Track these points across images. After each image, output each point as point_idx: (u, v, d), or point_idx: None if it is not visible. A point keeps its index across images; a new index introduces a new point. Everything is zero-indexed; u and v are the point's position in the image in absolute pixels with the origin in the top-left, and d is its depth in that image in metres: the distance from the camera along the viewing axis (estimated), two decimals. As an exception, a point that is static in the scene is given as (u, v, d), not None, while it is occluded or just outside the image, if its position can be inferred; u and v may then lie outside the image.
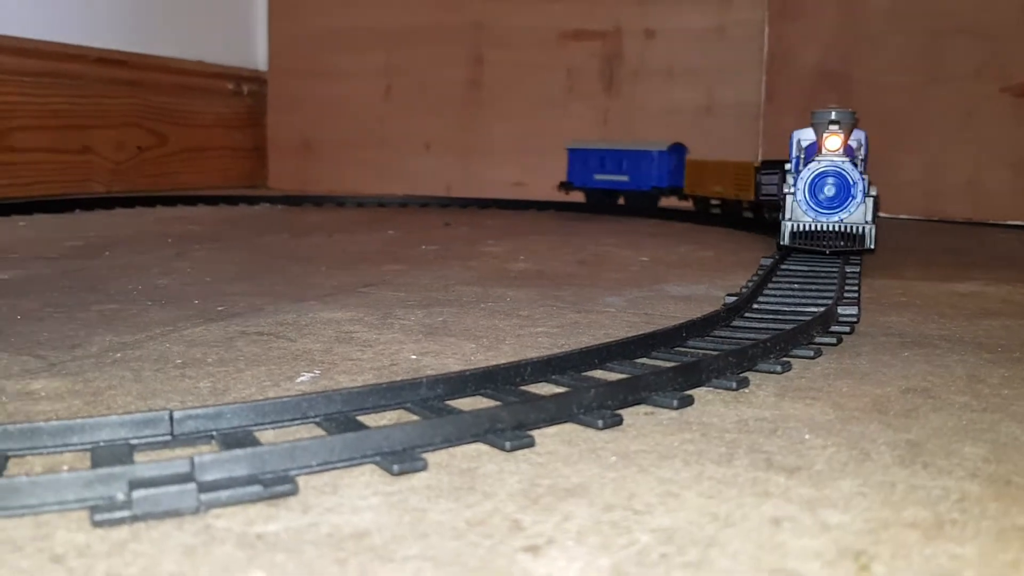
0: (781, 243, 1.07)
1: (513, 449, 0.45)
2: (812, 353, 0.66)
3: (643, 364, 0.62)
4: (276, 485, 0.39)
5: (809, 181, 1.06)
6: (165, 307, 0.84)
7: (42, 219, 1.75)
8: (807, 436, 0.48)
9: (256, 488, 0.38)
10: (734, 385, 0.57)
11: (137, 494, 0.36)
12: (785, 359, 0.64)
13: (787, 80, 2.29)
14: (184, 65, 2.62)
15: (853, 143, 1.10)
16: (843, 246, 1.05)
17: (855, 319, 0.76)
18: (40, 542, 0.34)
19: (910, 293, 0.99)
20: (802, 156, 1.09)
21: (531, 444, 0.46)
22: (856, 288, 0.86)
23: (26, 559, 0.33)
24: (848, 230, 1.05)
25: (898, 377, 0.61)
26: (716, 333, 0.71)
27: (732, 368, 0.60)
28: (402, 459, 0.42)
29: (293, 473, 0.40)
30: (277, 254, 1.27)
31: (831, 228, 1.05)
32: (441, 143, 2.65)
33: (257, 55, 2.88)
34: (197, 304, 0.86)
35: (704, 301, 0.92)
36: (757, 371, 0.61)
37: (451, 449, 0.45)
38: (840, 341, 0.71)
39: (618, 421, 0.50)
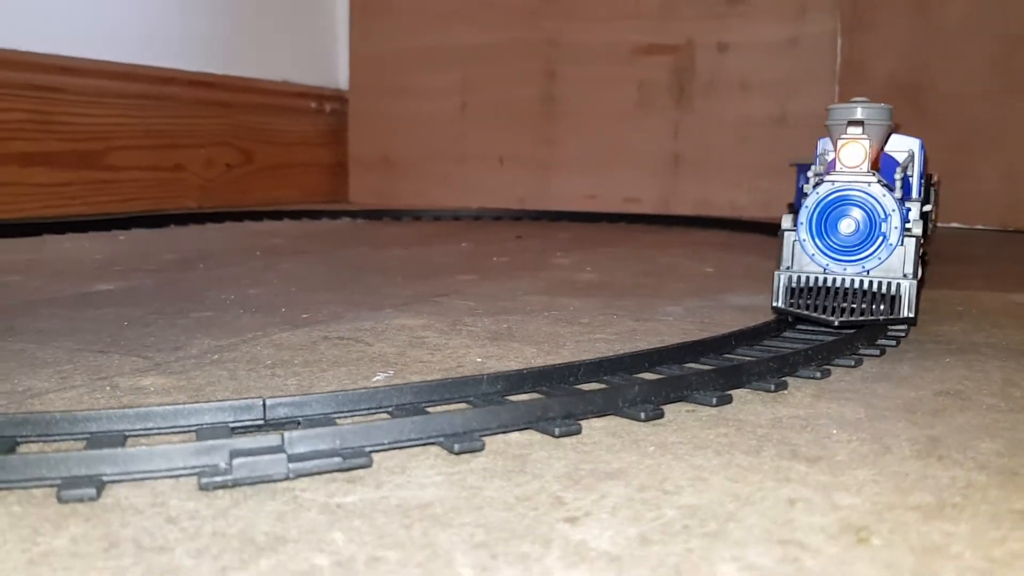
0: (773, 304, 0.77)
1: (561, 436, 0.51)
2: (853, 362, 0.70)
3: (690, 367, 0.66)
4: (354, 458, 0.45)
5: (815, 211, 0.75)
6: (255, 314, 0.91)
7: (140, 233, 1.87)
8: (834, 431, 0.52)
9: (336, 459, 0.45)
10: (772, 387, 0.62)
11: (237, 462, 0.43)
12: (826, 366, 0.68)
13: (861, 91, 2.29)
14: (270, 86, 2.75)
15: (897, 154, 0.81)
16: (863, 313, 0.74)
17: (903, 333, 0.79)
18: (157, 508, 0.41)
19: (969, 303, 1.01)
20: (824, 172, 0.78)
21: (578, 432, 0.51)
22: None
23: (147, 521, 0.39)
24: (874, 287, 0.74)
25: (934, 381, 0.65)
26: (765, 342, 0.75)
27: (772, 372, 0.64)
28: (462, 440, 0.48)
29: (368, 449, 0.46)
30: (357, 266, 1.35)
31: (848, 284, 0.75)
32: (515, 157, 2.72)
33: (338, 75, 3.00)
34: (284, 312, 0.93)
35: (761, 312, 0.95)
36: (798, 376, 0.65)
37: (507, 436, 0.51)
38: (884, 352, 0.74)
39: (660, 415, 0.55)
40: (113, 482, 0.43)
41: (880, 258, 0.74)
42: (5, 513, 0.40)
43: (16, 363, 0.69)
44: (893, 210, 0.73)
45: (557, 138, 2.66)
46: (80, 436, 0.49)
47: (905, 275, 0.74)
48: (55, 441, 0.49)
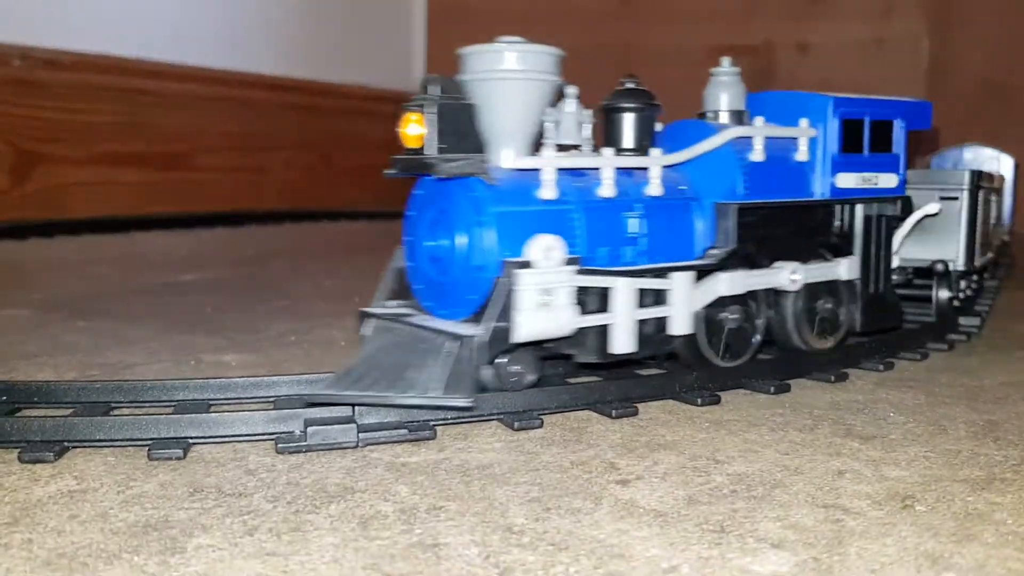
0: None
1: (618, 416, 0.52)
2: (919, 356, 0.69)
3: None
4: (419, 430, 0.48)
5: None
6: (330, 303, 0.95)
7: (221, 231, 1.94)
8: (891, 414, 0.53)
9: (403, 431, 0.47)
10: (832, 378, 0.62)
11: (311, 430, 0.46)
12: (889, 359, 0.67)
13: (948, 91, 2.24)
14: (349, 90, 2.81)
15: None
16: None
17: (976, 329, 0.78)
18: (237, 462, 0.44)
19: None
20: None
21: (634, 413, 0.53)
22: (989, 301, 0.88)
23: (228, 472, 0.43)
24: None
25: (1000, 373, 0.64)
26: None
27: (833, 364, 0.64)
28: (522, 418, 0.50)
29: (433, 423, 0.49)
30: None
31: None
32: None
33: (416, 78, 3.06)
34: (357, 301, 0.97)
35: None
36: (860, 368, 0.65)
37: (565, 414, 0.53)
38: (952, 347, 0.73)
39: (716, 400, 0.56)
40: (198, 444, 0.46)
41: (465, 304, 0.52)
42: (101, 463, 0.44)
43: (110, 340, 0.73)
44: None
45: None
46: (168, 403, 0.53)
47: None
48: (145, 407, 0.53)
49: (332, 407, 0.48)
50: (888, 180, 0.67)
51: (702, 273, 0.58)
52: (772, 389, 0.59)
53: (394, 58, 3.02)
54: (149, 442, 0.45)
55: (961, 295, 0.81)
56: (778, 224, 0.63)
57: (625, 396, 0.55)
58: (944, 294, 0.77)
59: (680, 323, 0.57)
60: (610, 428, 0.50)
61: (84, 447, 0.45)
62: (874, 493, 0.40)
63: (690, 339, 0.58)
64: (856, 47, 2.41)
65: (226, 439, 0.47)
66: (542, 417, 0.51)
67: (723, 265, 0.59)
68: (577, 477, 0.42)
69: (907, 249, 0.74)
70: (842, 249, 0.67)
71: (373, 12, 2.94)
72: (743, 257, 0.60)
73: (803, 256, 0.64)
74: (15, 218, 1.90)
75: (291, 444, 0.46)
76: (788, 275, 0.61)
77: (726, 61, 0.66)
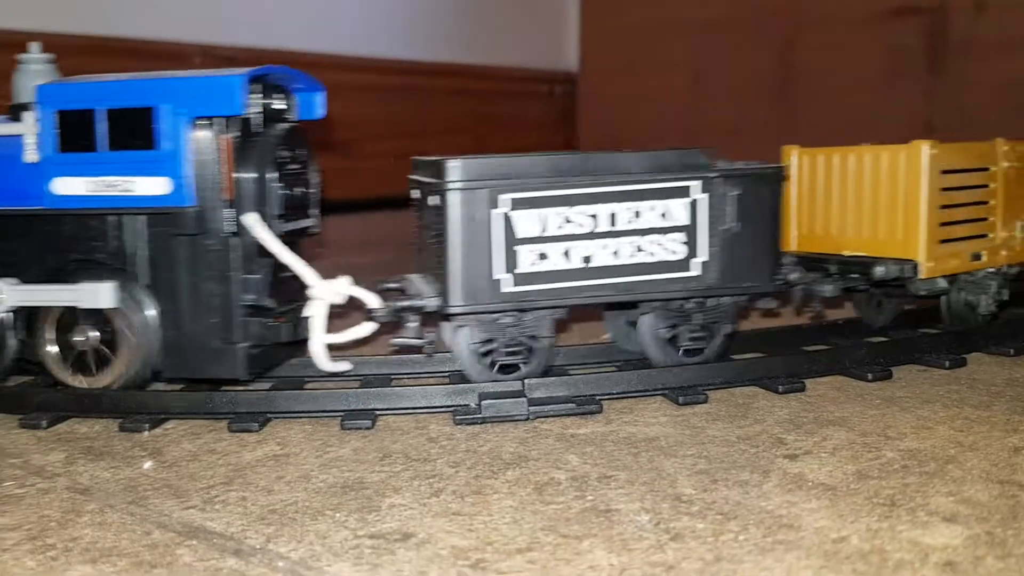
0: None
1: (785, 392, 0.53)
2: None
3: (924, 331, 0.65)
4: (586, 404, 0.50)
5: None
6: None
7: (388, 215, 2.03)
8: (1078, 392, 0.51)
9: (570, 405, 0.49)
10: (1012, 351, 0.60)
11: (485, 403, 0.49)
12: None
13: None
14: (504, 72, 2.86)
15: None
16: None
17: None
18: (420, 430, 0.48)
19: None
20: None
21: (802, 389, 0.53)
22: None
23: (412, 440, 0.46)
24: None
25: None
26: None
27: (1011, 338, 0.61)
28: (687, 393, 0.51)
29: (598, 397, 0.51)
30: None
31: None
32: (751, 131, 2.66)
33: (568, 57, 3.07)
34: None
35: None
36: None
37: (730, 389, 0.53)
38: None
39: (888, 375, 0.55)
40: (383, 415, 0.50)
41: None
42: (299, 431, 0.48)
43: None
44: None
45: (797, 110, 2.58)
46: (353, 378, 0.57)
47: None
48: (334, 382, 0.57)
49: (503, 383, 0.50)
50: (150, 186, 0.50)
51: None
52: (947, 364, 0.57)
53: (546, 37, 3.04)
54: (341, 413, 0.50)
55: None
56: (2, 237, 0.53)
57: (792, 372, 0.55)
58: None
59: None
60: (776, 404, 0.51)
61: (284, 418, 0.50)
62: (1056, 471, 0.39)
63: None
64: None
65: (408, 411, 0.50)
66: (707, 392, 0.52)
67: None
68: (744, 451, 0.43)
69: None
70: (127, 273, 0.52)
71: (526, -7, 2.97)
72: None
73: (37, 276, 0.53)
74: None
75: (467, 416, 0.49)
76: None
77: (35, 47, 0.55)
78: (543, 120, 2.98)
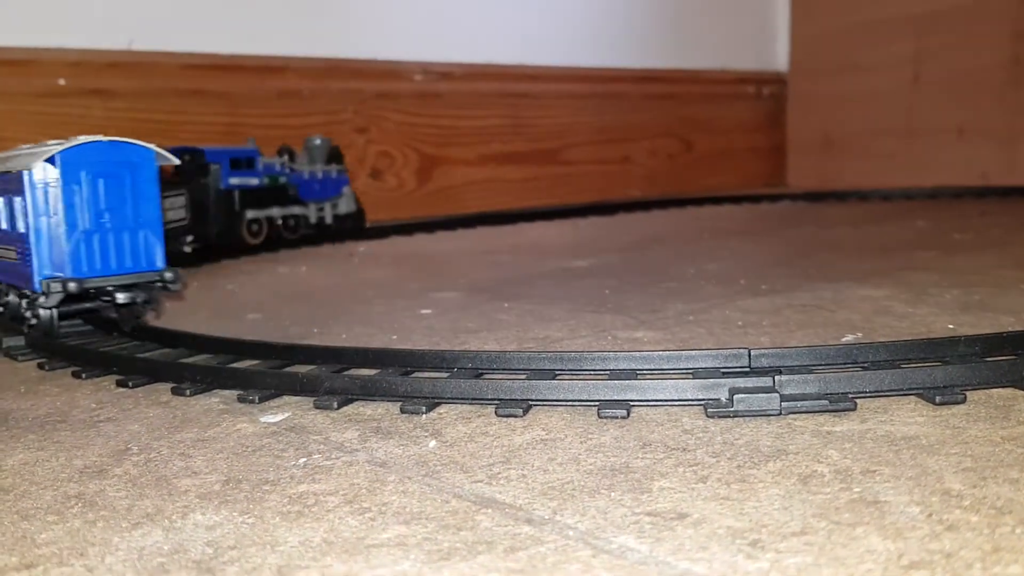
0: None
1: (1049, 395, 0.51)
2: None
3: None
4: (839, 402, 0.50)
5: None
6: (717, 285, 1.00)
7: (595, 220, 2.06)
8: None
9: (823, 402, 0.50)
10: None
11: (737, 397, 0.51)
12: None
13: None
14: (709, 75, 2.84)
15: None
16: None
17: None
18: (673, 423, 0.50)
19: None
20: None
21: (1066, 392, 0.51)
22: None
23: (667, 431, 0.49)
24: None
25: None
26: None
27: None
28: (943, 393, 0.51)
29: (851, 395, 0.51)
30: (805, 244, 1.38)
31: None
32: (976, 129, 2.51)
33: (777, 58, 3.00)
34: (743, 283, 1.00)
35: None
36: None
37: (988, 392, 0.52)
38: None
39: None
40: (636, 406, 0.53)
41: None
42: (559, 419, 0.52)
43: (532, 319, 0.84)
44: None
45: (1027, 107, 2.41)
46: (601, 371, 0.60)
47: None
48: (583, 374, 0.61)
49: (754, 379, 0.52)
50: None
51: None
52: None
53: (754, 38, 2.98)
54: (597, 403, 0.53)
55: None
56: None
57: (1054, 375, 0.53)
58: None
59: None
60: (1039, 407, 0.49)
61: (544, 405, 0.54)
62: None
63: None
64: None
65: (660, 403, 0.53)
66: (964, 393, 0.51)
67: None
68: (1011, 451, 0.42)
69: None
70: None
71: (735, -5, 2.93)
72: None
73: None
74: (421, 215, 2.16)
75: (720, 409, 0.51)
76: None
77: None
78: (749, 121, 2.93)
